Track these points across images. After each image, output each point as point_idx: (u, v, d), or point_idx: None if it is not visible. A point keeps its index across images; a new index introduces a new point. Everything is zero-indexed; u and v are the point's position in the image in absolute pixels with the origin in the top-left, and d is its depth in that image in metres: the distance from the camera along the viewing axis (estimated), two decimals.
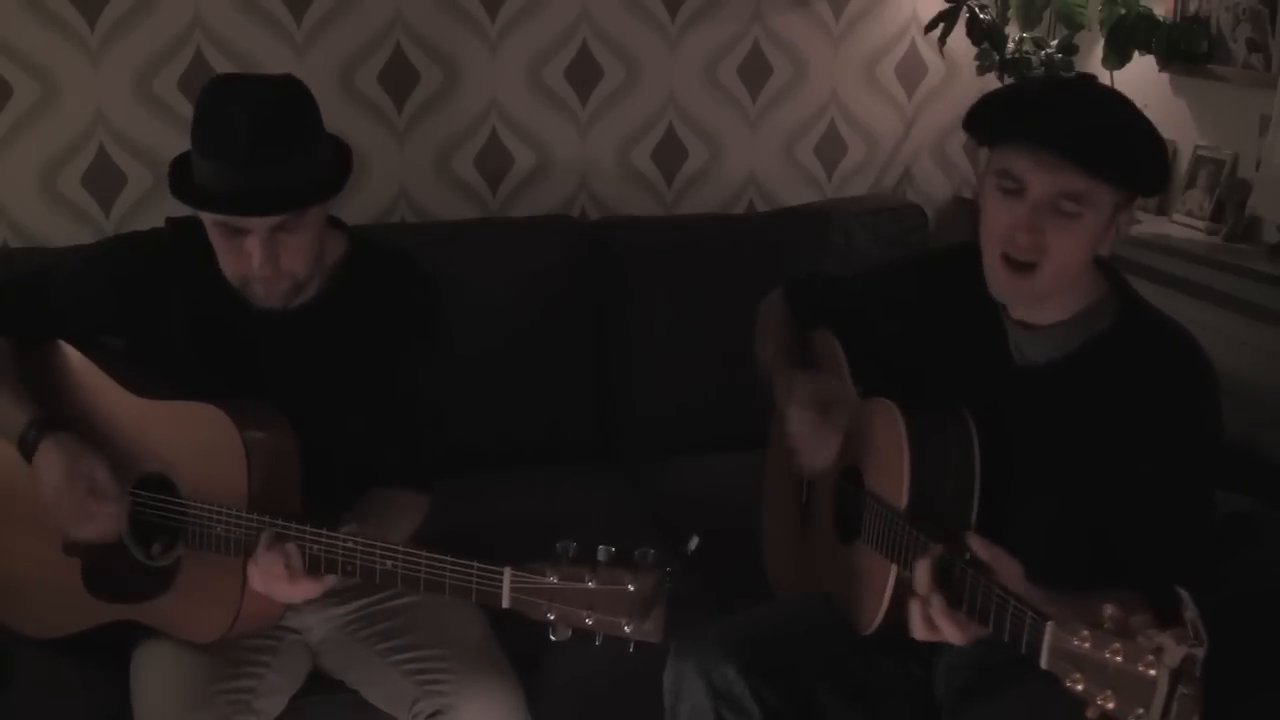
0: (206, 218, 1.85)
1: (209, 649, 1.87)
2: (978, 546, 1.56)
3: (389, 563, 1.69)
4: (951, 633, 1.56)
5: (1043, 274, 1.68)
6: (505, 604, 1.59)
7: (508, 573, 1.58)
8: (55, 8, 2.73)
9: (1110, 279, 1.77)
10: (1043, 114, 1.65)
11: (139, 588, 1.93)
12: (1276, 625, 1.98)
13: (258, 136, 1.77)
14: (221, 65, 2.83)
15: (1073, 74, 1.82)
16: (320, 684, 2.00)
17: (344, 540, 1.72)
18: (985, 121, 1.73)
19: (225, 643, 1.88)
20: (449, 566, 1.65)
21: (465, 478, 2.09)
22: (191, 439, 1.88)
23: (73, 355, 2.02)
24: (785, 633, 1.91)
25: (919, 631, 1.60)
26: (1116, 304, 1.75)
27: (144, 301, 1.97)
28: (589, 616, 1.52)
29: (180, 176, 1.87)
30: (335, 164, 1.89)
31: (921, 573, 1.58)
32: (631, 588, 1.50)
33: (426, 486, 1.99)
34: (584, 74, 3.07)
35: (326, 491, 1.88)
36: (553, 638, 1.56)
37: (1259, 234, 2.71)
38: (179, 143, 2.81)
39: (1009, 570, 1.55)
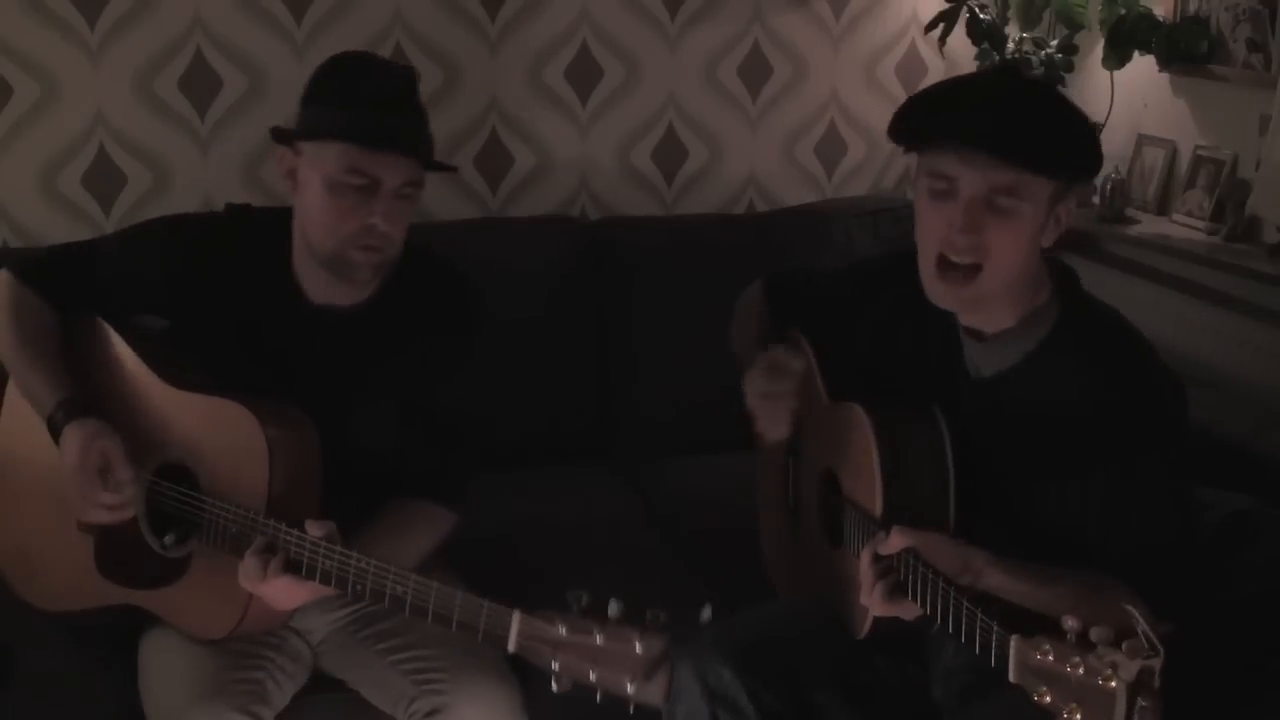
0: (331, 169, 1.82)
1: (216, 643, 1.88)
2: (900, 533, 1.61)
3: (400, 588, 1.68)
4: (902, 611, 1.65)
5: (985, 276, 1.65)
6: (511, 648, 1.56)
7: (516, 616, 1.56)
8: (55, 8, 2.73)
9: (1055, 278, 1.75)
10: (962, 112, 1.64)
11: (149, 575, 1.93)
12: (1276, 625, 1.98)
13: (407, 92, 1.86)
14: (221, 65, 2.84)
15: (994, 66, 1.79)
16: (321, 684, 2.01)
17: (357, 559, 1.70)
18: (908, 126, 1.70)
19: (234, 641, 1.88)
20: (459, 601, 1.63)
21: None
22: (216, 435, 1.87)
23: (110, 335, 2.02)
24: (782, 634, 1.91)
25: (874, 608, 1.68)
26: (1057, 306, 1.73)
27: (193, 284, 1.96)
28: (593, 672, 1.50)
29: (306, 129, 1.87)
30: None
31: (864, 563, 1.66)
32: (639, 648, 1.47)
33: (455, 501, 1.97)
34: (584, 74, 3.07)
35: (350, 496, 1.87)
36: (554, 688, 1.53)
37: (1259, 234, 2.71)
38: (179, 143, 2.86)
39: (943, 551, 1.60)
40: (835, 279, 2.09)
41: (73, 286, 2.03)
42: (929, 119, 1.68)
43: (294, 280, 1.95)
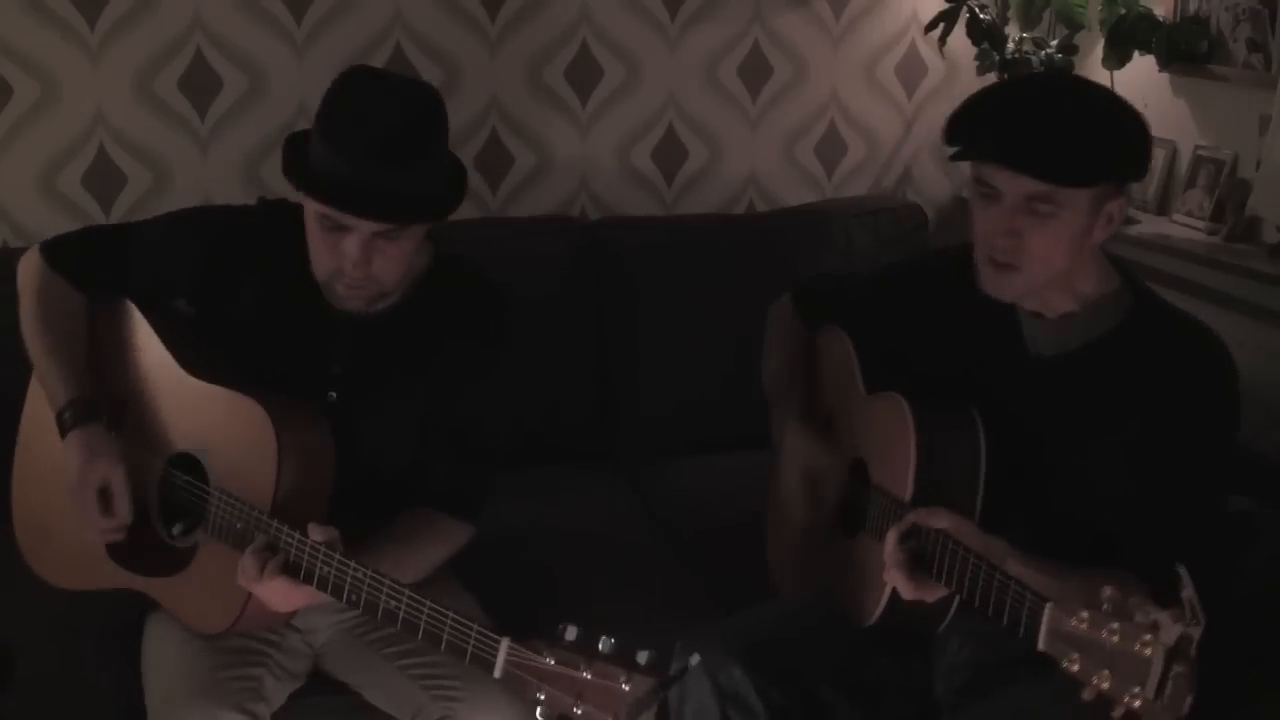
0: (310, 206, 1.81)
1: (214, 637, 1.88)
2: (931, 515, 1.64)
3: (393, 603, 1.67)
4: (926, 593, 1.68)
5: (1025, 272, 1.71)
6: (497, 673, 1.56)
7: (505, 644, 1.55)
8: (55, 8, 2.73)
9: (1123, 273, 1.79)
10: (996, 127, 1.68)
11: (155, 562, 1.93)
12: (1277, 625, 1.98)
13: (391, 140, 1.75)
14: (221, 65, 2.84)
15: (1040, 72, 1.80)
16: (323, 685, 2.00)
17: (355, 569, 1.70)
18: (955, 135, 1.74)
19: (234, 636, 1.88)
20: (449, 622, 1.62)
21: None
22: (230, 429, 1.87)
23: (136, 317, 2.01)
24: (791, 632, 1.92)
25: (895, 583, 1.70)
26: (1130, 298, 1.77)
27: (222, 274, 1.95)
28: (577, 706, 1.48)
29: (294, 157, 1.83)
30: (451, 183, 1.86)
31: (890, 542, 1.68)
32: (625, 687, 1.45)
33: (472, 514, 1.96)
34: (584, 74, 3.07)
35: (365, 504, 1.87)
36: (538, 718, 1.52)
37: (1259, 234, 2.71)
38: (179, 143, 2.86)
39: (969, 536, 1.63)
40: (871, 279, 2.12)
41: (102, 272, 2.01)
42: (968, 131, 1.72)
43: (315, 282, 1.92)
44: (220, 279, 1.95)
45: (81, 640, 2.04)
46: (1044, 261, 1.69)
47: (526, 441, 2.76)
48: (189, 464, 1.91)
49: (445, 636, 1.63)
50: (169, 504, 1.93)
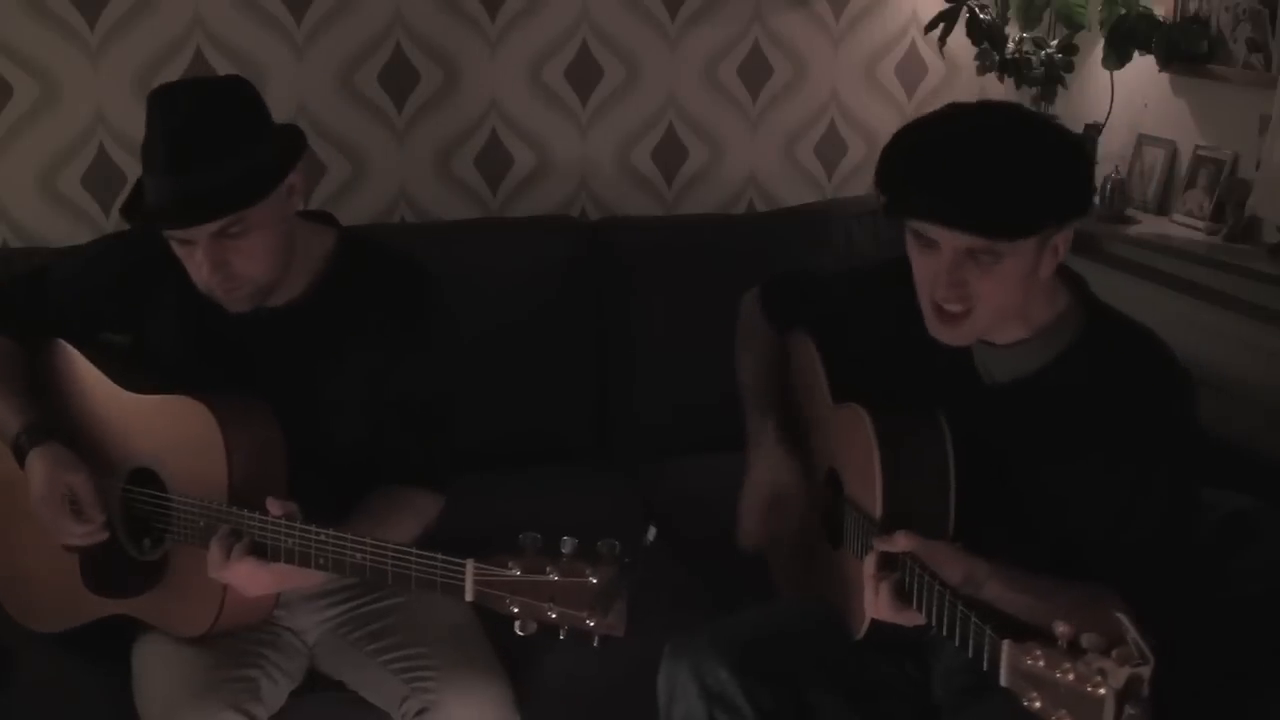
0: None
1: (207, 641, 1.89)
2: (907, 536, 1.61)
3: (358, 555, 1.71)
4: (904, 619, 1.65)
5: (976, 318, 1.66)
6: (469, 597, 1.59)
7: (470, 565, 1.58)
8: (55, 8, 2.73)
9: (1073, 290, 1.75)
10: (931, 183, 1.60)
11: (132, 582, 1.95)
12: (1276, 625, 1.98)
13: (176, 146, 1.77)
14: (221, 65, 2.83)
15: (971, 105, 1.67)
16: (320, 683, 2.01)
17: (316, 534, 1.73)
18: (886, 194, 1.67)
19: (222, 636, 1.89)
20: (414, 559, 1.65)
21: (463, 478, 2.09)
22: (175, 433, 1.89)
23: (69, 352, 2.04)
24: (779, 634, 1.91)
25: (876, 613, 1.68)
26: (1081, 316, 1.73)
27: (140, 298, 1.98)
28: (551, 609, 1.51)
29: (133, 195, 1.89)
30: (274, 162, 1.83)
31: (868, 564, 1.66)
32: (593, 580, 1.49)
33: (438, 484, 1.99)
34: (584, 74, 3.07)
35: (329, 488, 1.88)
36: (519, 632, 1.55)
37: (1259, 234, 2.71)
38: None
39: (947, 560, 1.60)
40: (836, 282, 2.09)
41: (27, 316, 2.06)
42: (902, 192, 1.65)
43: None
44: (139, 302, 1.98)
45: (81, 641, 2.04)
46: (994, 305, 1.64)
47: (526, 442, 2.79)
48: (146, 478, 1.94)
49: (413, 575, 1.66)
50: (134, 521, 1.95)
